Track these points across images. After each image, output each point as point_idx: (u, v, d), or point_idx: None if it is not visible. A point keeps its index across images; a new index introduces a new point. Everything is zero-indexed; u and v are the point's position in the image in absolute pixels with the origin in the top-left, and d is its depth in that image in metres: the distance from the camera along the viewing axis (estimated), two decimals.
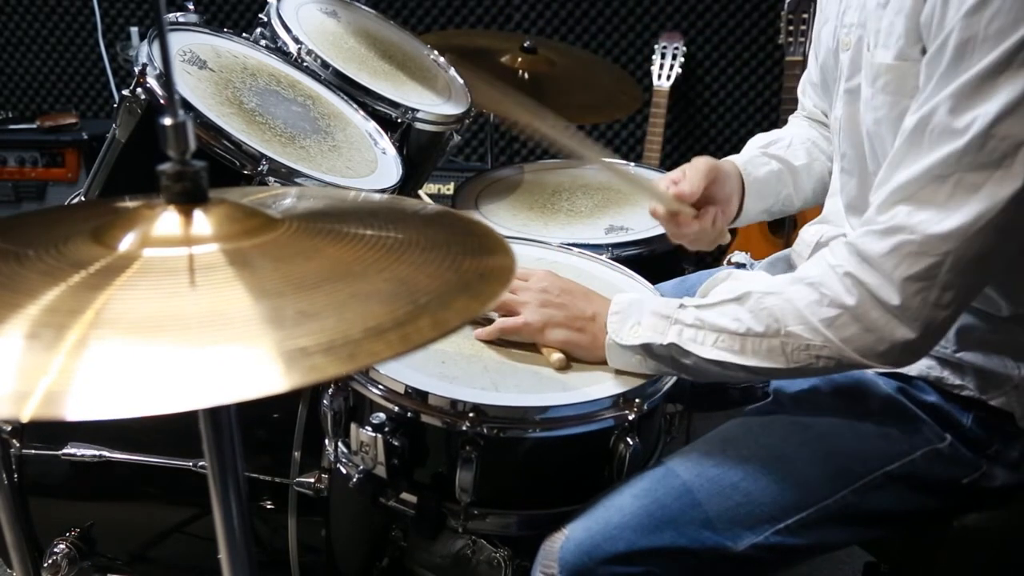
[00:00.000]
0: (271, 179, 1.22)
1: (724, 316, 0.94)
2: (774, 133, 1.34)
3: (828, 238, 1.14)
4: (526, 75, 1.97)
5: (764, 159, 1.28)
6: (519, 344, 1.08)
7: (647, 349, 0.99)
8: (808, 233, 1.19)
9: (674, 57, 2.66)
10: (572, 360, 1.05)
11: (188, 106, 1.21)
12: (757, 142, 1.33)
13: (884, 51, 0.93)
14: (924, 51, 0.86)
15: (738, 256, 1.41)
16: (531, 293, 1.07)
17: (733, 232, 1.40)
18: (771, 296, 0.92)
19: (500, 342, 1.08)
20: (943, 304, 0.85)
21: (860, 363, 0.89)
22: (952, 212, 0.82)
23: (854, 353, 0.88)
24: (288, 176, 1.24)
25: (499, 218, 1.66)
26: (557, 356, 1.04)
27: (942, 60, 0.83)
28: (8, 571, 1.29)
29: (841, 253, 0.89)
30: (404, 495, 1.02)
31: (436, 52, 1.82)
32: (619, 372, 1.03)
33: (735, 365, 0.94)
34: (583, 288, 1.11)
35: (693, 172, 1.19)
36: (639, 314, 1.00)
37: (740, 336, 0.93)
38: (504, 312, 1.08)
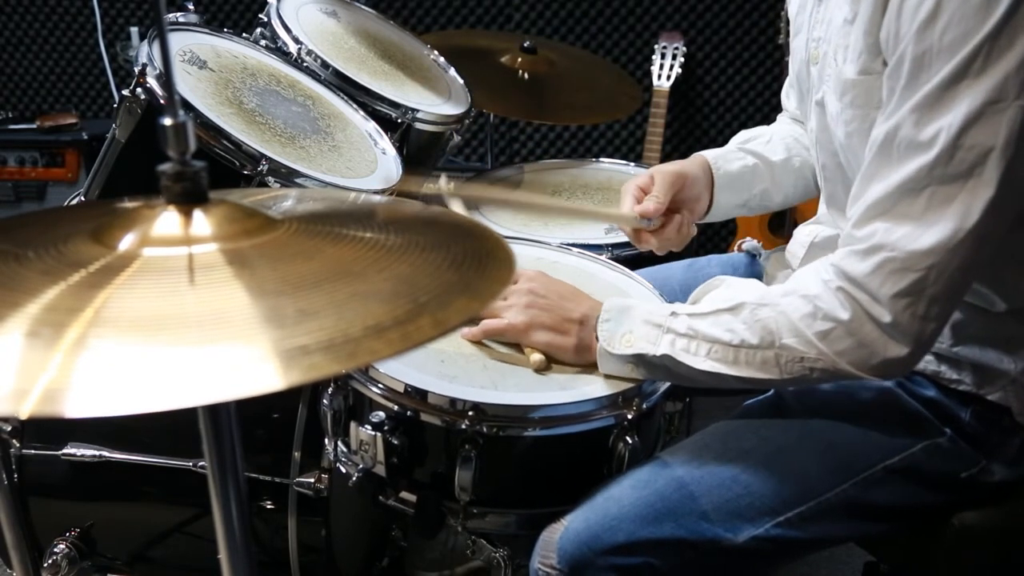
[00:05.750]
0: (271, 179, 1.22)
1: (717, 326, 0.94)
2: (756, 129, 1.34)
3: (823, 238, 1.15)
4: (526, 75, 1.97)
5: (739, 154, 1.29)
6: (516, 343, 1.07)
7: (640, 358, 0.99)
8: (802, 233, 1.19)
9: (674, 57, 2.65)
10: (555, 362, 1.04)
11: (188, 106, 1.21)
12: (738, 138, 1.33)
13: (850, 66, 0.93)
14: (885, 64, 0.87)
15: (749, 243, 1.40)
16: (518, 294, 1.07)
17: (730, 225, 1.39)
18: (765, 308, 0.92)
19: (500, 341, 1.08)
20: (932, 316, 0.86)
21: (854, 375, 0.90)
22: (930, 226, 0.83)
23: (848, 366, 0.89)
24: (288, 176, 1.24)
25: (499, 218, 1.66)
26: (537, 357, 1.04)
27: (901, 74, 0.83)
28: (8, 571, 1.29)
29: (830, 271, 0.90)
30: (404, 494, 1.02)
31: (436, 52, 1.82)
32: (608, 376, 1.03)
33: (728, 376, 0.94)
34: (572, 289, 1.10)
35: (660, 184, 1.18)
36: (630, 322, 1.00)
37: (734, 347, 0.93)
38: (490, 313, 1.07)
